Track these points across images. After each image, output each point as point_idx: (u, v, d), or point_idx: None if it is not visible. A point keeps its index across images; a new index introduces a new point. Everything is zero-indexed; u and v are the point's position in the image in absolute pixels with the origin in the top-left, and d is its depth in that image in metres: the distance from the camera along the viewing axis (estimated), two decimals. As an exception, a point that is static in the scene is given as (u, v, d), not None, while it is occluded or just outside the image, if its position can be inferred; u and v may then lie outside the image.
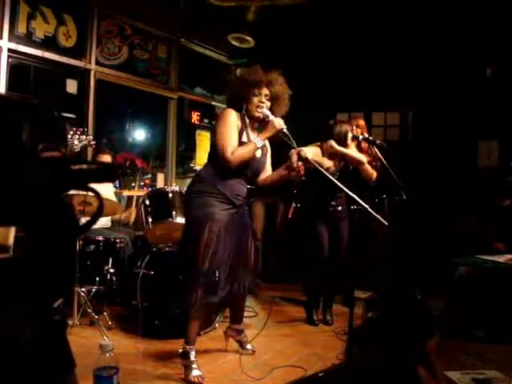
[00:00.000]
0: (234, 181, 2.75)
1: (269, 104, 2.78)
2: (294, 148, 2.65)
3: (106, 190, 4.15)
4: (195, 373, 2.65)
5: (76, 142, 2.17)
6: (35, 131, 0.83)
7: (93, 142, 2.61)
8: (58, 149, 0.85)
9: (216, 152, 2.69)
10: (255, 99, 2.76)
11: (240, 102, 2.79)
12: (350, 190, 2.50)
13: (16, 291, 0.83)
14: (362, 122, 4.28)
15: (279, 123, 2.67)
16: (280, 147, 2.83)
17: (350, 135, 3.74)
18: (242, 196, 2.82)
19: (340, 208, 3.80)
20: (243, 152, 2.66)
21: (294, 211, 4.73)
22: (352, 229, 3.89)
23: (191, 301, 2.70)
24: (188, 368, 2.68)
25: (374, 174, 3.93)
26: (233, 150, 2.64)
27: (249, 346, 3.13)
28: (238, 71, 3.00)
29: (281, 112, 2.82)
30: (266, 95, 2.77)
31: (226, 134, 2.66)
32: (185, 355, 2.72)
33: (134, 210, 4.56)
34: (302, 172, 3.90)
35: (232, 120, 2.70)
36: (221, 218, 2.69)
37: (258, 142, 2.69)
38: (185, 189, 3.77)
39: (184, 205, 3.01)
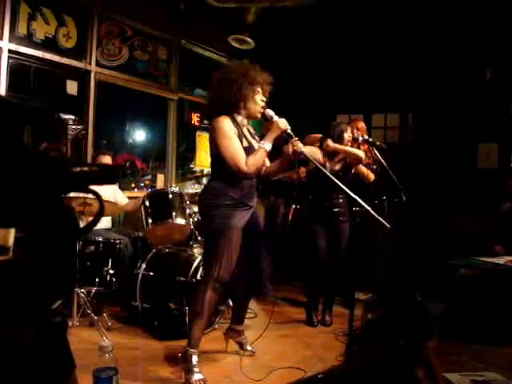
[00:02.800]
0: (246, 184, 2.73)
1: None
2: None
3: (107, 191, 4.14)
4: (197, 376, 2.60)
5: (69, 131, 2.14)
6: (36, 133, 0.83)
7: (83, 132, 2.44)
8: (60, 150, 0.85)
9: (224, 165, 2.63)
10: (257, 98, 2.74)
11: (239, 102, 2.71)
12: (352, 192, 2.51)
13: (17, 293, 0.83)
14: (361, 125, 4.29)
15: (284, 124, 2.65)
16: (281, 147, 2.83)
17: (346, 135, 3.75)
18: (254, 196, 2.82)
19: (340, 209, 3.79)
20: (256, 160, 2.63)
21: (294, 212, 4.73)
22: (353, 230, 3.90)
23: (202, 303, 2.66)
24: (189, 371, 2.62)
25: (371, 175, 3.94)
26: (244, 161, 2.60)
27: (249, 348, 3.12)
28: (226, 69, 2.88)
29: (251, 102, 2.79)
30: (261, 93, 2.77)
31: (231, 148, 2.60)
32: (186, 358, 2.67)
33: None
34: (303, 174, 3.91)
35: (230, 129, 2.64)
36: (239, 227, 2.68)
37: (267, 146, 2.65)
38: (185, 190, 3.79)
39: (201, 216, 2.98)
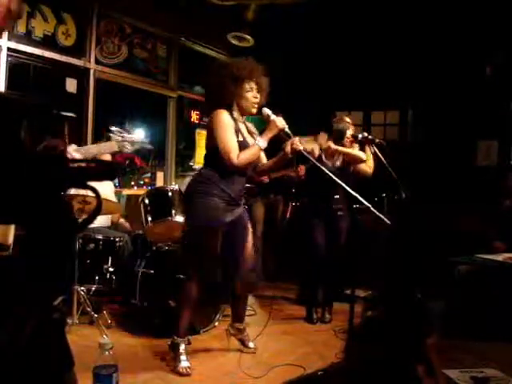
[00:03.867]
0: (236, 180, 2.76)
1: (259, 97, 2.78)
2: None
3: (106, 189, 4.14)
4: (184, 364, 2.72)
5: (128, 146, 2.15)
6: (34, 130, 0.83)
7: (149, 146, 2.42)
8: (58, 147, 0.85)
9: (218, 156, 2.67)
10: (249, 95, 2.75)
11: (230, 98, 2.75)
12: (352, 190, 2.50)
13: (15, 289, 0.83)
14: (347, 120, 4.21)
15: (281, 123, 2.66)
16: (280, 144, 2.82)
17: (349, 132, 3.76)
18: (242, 193, 2.85)
19: (338, 205, 3.80)
20: (249, 156, 2.65)
21: (293, 210, 4.72)
22: (353, 228, 3.90)
23: (187, 294, 2.78)
24: (176, 359, 2.74)
25: (369, 170, 3.92)
26: (236, 153, 2.63)
27: (251, 345, 3.13)
28: (219, 65, 2.92)
29: (261, 102, 2.82)
30: (256, 88, 2.76)
31: (226, 140, 2.64)
32: (174, 347, 2.79)
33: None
34: (303, 172, 3.91)
35: (228, 122, 2.68)
36: (225, 220, 2.71)
37: (262, 144, 2.67)
38: (185, 188, 3.78)
39: (186, 204, 2.95)
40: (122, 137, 2.13)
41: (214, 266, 2.76)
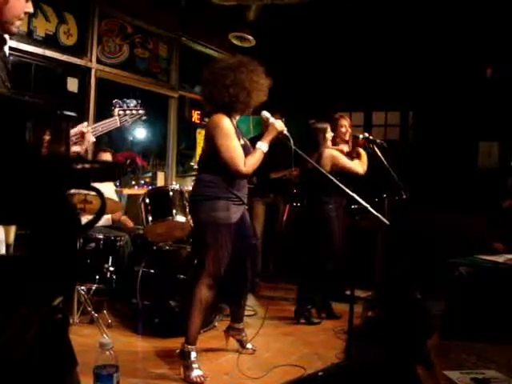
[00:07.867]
0: (239, 181, 2.74)
1: None
2: (293, 148, 2.66)
3: (107, 188, 4.15)
4: (196, 373, 2.62)
5: (128, 118, 2.26)
6: (38, 130, 0.83)
7: (144, 118, 2.47)
8: (61, 147, 0.85)
9: (221, 163, 2.61)
10: (251, 102, 2.73)
11: (236, 106, 2.69)
12: (351, 190, 2.51)
13: (19, 290, 0.83)
14: (345, 122, 4.17)
15: (280, 126, 2.66)
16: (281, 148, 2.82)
17: (328, 134, 3.76)
18: (246, 192, 2.84)
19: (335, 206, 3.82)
20: (254, 162, 2.64)
21: (290, 211, 4.72)
22: (352, 228, 3.91)
23: (197, 300, 2.69)
24: (188, 368, 2.64)
25: (359, 168, 3.89)
26: (243, 161, 2.59)
27: (249, 346, 3.12)
28: (220, 71, 2.77)
29: (258, 101, 2.75)
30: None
31: (231, 149, 2.59)
32: (185, 355, 2.69)
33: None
34: (296, 172, 3.89)
35: (230, 129, 2.63)
36: (234, 221, 2.69)
37: (264, 148, 2.66)
38: (185, 188, 3.78)
39: (193, 208, 2.84)
40: (123, 110, 2.21)
41: (224, 266, 2.70)
